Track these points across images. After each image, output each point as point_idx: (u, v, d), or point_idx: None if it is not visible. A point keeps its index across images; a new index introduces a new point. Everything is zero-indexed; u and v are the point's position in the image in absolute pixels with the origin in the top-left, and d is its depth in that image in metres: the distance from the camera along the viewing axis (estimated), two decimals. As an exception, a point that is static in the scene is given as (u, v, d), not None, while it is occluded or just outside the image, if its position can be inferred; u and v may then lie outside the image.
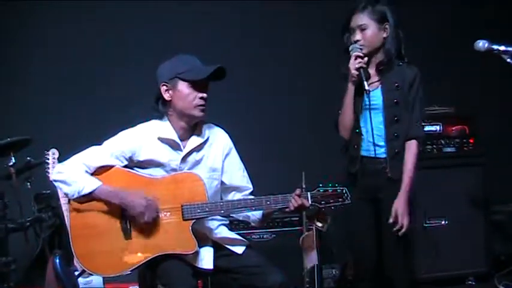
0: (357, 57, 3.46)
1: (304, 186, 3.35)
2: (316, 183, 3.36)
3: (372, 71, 3.55)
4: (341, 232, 4.87)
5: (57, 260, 4.08)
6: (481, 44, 3.24)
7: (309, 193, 3.29)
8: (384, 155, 3.52)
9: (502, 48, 3.22)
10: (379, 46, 3.54)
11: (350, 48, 3.50)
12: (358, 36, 3.52)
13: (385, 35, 3.53)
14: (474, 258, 4.81)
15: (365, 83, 3.43)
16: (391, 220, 3.44)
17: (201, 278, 3.53)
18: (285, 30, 5.35)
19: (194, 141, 3.35)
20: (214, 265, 3.29)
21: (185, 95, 3.28)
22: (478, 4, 5.32)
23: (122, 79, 5.08)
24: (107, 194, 3.20)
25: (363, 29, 3.51)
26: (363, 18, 3.51)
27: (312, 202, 3.29)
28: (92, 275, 4.06)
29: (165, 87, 3.31)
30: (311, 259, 4.49)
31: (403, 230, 3.43)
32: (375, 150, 3.52)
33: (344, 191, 3.33)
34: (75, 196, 3.21)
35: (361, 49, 3.48)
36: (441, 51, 5.18)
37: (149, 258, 3.19)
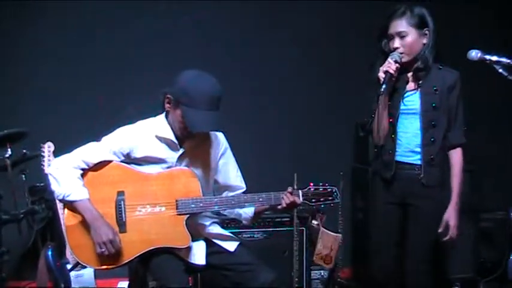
0: (390, 62, 3.39)
1: (295, 187, 3.40)
2: (307, 184, 3.42)
3: (409, 75, 3.51)
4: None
5: (50, 252, 4.14)
6: (474, 54, 3.29)
7: (300, 191, 3.37)
8: (419, 161, 3.49)
9: (494, 58, 3.26)
10: (418, 53, 3.46)
11: (390, 56, 3.41)
12: (397, 43, 3.44)
13: (425, 40, 3.46)
14: (461, 264, 4.83)
15: (383, 86, 3.35)
16: (440, 230, 3.46)
17: (193, 274, 3.59)
18: (278, 30, 5.35)
19: (191, 141, 3.39)
20: (206, 261, 3.34)
21: (179, 120, 3.29)
22: (468, 13, 5.41)
23: (119, 75, 5.09)
24: (85, 209, 3.23)
25: (402, 36, 3.43)
26: (402, 25, 3.43)
27: (303, 200, 3.36)
28: (84, 267, 4.10)
29: (167, 99, 3.33)
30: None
31: (450, 239, 3.48)
32: (410, 156, 3.51)
33: (334, 191, 3.41)
34: (59, 197, 3.27)
35: (400, 57, 3.41)
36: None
37: (143, 252, 3.24)
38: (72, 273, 4.14)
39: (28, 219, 4.69)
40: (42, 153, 4.26)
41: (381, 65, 3.45)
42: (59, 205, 4.17)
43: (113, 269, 3.33)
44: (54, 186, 3.27)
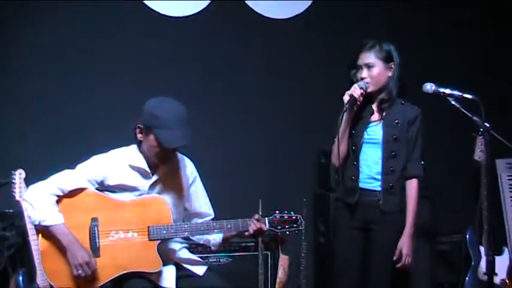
0: (356, 87, 3.59)
1: (260, 213, 3.55)
2: (271, 210, 3.57)
3: (374, 107, 3.71)
4: (294, 257, 5.10)
5: (20, 278, 4.17)
6: (429, 87, 3.49)
7: (266, 218, 3.51)
8: (379, 188, 3.68)
9: (448, 91, 3.47)
10: (384, 84, 3.68)
11: (357, 83, 3.62)
12: (364, 73, 3.65)
13: (390, 74, 3.68)
14: (420, 286, 4.93)
15: (346, 106, 3.55)
16: (394, 258, 3.66)
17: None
18: (248, 54, 5.43)
19: (162, 169, 3.52)
20: (176, 285, 3.45)
21: (152, 146, 3.42)
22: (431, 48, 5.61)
23: (90, 98, 5.09)
24: (61, 233, 3.32)
25: (370, 66, 3.65)
26: (370, 57, 3.65)
27: (269, 227, 3.51)
28: (56, 292, 4.17)
29: (139, 129, 3.45)
30: None
31: (403, 267, 3.67)
32: (371, 183, 3.69)
33: (298, 218, 3.57)
34: (35, 223, 3.36)
35: (366, 86, 3.62)
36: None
37: (116, 276, 3.34)
38: (43, 299, 4.20)
39: (-2, 245, 4.72)
40: (14, 180, 4.30)
41: None
42: (30, 231, 4.23)
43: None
44: (30, 211, 3.36)
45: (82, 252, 3.30)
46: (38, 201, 3.34)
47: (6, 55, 5.02)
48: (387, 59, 3.68)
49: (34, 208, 3.34)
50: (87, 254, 3.31)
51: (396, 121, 3.68)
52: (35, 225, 3.42)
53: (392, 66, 3.69)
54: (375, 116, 3.73)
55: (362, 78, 3.65)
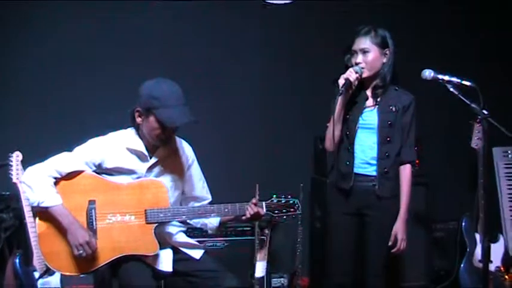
0: (351, 71, 3.59)
1: (257, 197, 3.55)
2: (269, 194, 3.57)
3: (368, 93, 3.72)
4: (290, 242, 5.13)
5: (17, 260, 4.19)
6: (427, 73, 3.50)
7: (263, 203, 3.51)
8: (374, 173, 3.70)
9: (446, 78, 3.48)
10: (378, 70, 3.69)
11: (352, 68, 3.63)
12: (359, 58, 3.65)
13: (384, 60, 3.69)
14: (415, 273, 4.97)
15: (342, 89, 3.56)
16: (390, 243, 3.69)
17: (159, 281, 3.70)
18: (245, 41, 5.44)
19: (160, 152, 3.52)
20: (172, 268, 3.47)
21: (153, 128, 3.41)
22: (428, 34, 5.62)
23: (88, 83, 5.11)
24: (60, 214, 3.32)
25: (365, 51, 3.65)
26: (365, 42, 3.66)
27: (266, 211, 3.51)
28: (51, 275, 4.19)
29: (138, 113, 3.45)
30: (260, 269, 4.69)
31: (399, 251, 3.70)
32: (366, 168, 3.71)
33: (296, 203, 3.56)
34: (34, 204, 3.35)
35: (361, 71, 3.63)
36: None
37: (113, 259, 3.35)
38: (39, 281, 4.20)
39: (-5, 228, 4.74)
40: (10, 163, 4.32)
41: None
42: (27, 214, 4.25)
43: (80, 277, 3.42)
44: (28, 193, 3.35)
45: (82, 232, 3.31)
46: (36, 182, 3.33)
47: (4, 36, 5.04)
48: (382, 44, 3.69)
49: (32, 190, 3.33)
50: (87, 233, 3.31)
51: (391, 107, 3.70)
52: (33, 207, 3.42)
53: (387, 52, 3.70)
54: (369, 102, 3.74)
55: (357, 63, 3.66)
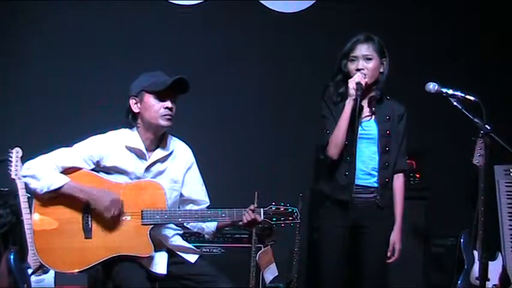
0: (359, 75, 3.53)
1: (256, 205, 3.53)
2: (267, 204, 3.52)
3: (364, 103, 3.66)
4: (287, 251, 5.10)
5: (12, 256, 4.19)
6: (431, 86, 3.49)
7: (262, 209, 3.48)
8: (375, 184, 3.66)
9: (450, 91, 3.47)
10: (377, 79, 3.65)
11: (359, 73, 3.56)
12: (361, 65, 3.59)
13: (382, 69, 3.65)
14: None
15: (358, 93, 3.49)
16: (388, 253, 3.67)
17: (152, 283, 3.68)
18: (245, 49, 5.45)
19: (159, 153, 3.52)
20: (167, 270, 3.44)
21: (151, 106, 3.44)
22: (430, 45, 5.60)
23: (89, 81, 5.14)
24: (74, 189, 3.32)
25: (368, 58, 3.60)
26: (368, 49, 3.61)
27: (264, 218, 3.47)
28: (45, 273, 4.18)
29: (133, 101, 3.48)
30: (272, 271, 4.68)
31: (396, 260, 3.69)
32: (367, 179, 3.67)
33: (294, 211, 3.51)
34: (43, 191, 3.31)
35: (365, 77, 3.57)
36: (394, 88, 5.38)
37: (106, 258, 3.33)
38: (33, 278, 4.20)
39: (-9, 223, 4.73)
40: (10, 158, 4.32)
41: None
42: (24, 210, 4.23)
43: (74, 278, 3.40)
44: (33, 184, 3.33)
45: (102, 193, 3.32)
46: (39, 170, 3.32)
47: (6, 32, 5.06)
48: (381, 53, 3.66)
49: (37, 178, 3.31)
50: (106, 193, 3.33)
51: (387, 117, 3.69)
52: (43, 194, 3.33)
53: (384, 62, 3.67)
54: (366, 112, 3.70)
55: (358, 69, 3.60)
